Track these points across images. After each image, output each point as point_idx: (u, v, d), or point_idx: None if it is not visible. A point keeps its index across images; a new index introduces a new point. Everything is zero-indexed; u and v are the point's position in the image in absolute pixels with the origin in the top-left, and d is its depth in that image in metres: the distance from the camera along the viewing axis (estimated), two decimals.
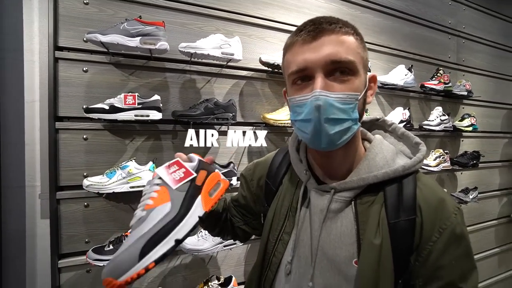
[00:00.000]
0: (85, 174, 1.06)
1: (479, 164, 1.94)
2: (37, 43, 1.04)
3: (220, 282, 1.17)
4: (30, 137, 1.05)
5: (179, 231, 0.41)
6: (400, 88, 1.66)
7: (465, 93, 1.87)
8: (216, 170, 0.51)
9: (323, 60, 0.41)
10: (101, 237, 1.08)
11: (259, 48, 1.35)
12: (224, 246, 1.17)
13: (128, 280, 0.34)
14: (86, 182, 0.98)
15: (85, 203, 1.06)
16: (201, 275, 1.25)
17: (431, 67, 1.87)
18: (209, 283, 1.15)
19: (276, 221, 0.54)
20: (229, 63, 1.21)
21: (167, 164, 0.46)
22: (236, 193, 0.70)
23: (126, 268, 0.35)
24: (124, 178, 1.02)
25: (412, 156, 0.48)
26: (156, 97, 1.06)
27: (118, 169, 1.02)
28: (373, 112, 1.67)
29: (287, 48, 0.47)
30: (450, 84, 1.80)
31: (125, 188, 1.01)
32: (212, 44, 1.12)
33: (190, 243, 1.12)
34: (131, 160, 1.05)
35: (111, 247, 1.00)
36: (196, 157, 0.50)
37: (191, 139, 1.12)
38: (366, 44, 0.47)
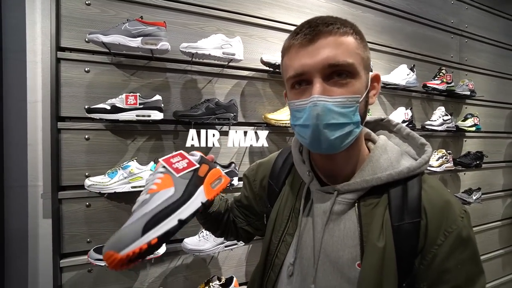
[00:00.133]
0: (86, 174, 1.06)
1: (483, 165, 1.92)
2: (39, 43, 1.05)
3: (221, 282, 1.16)
4: (33, 137, 1.06)
5: (183, 212, 0.41)
6: (402, 88, 1.65)
7: (468, 92, 1.86)
8: (218, 167, 0.52)
9: (320, 64, 0.40)
10: (103, 237, 1.08)
11: (260, 48, 1.35)
12: (226, 247, 1.17)
13: (130, 254, 0.34)
14: (87, 182, 0.98)
15: (87, 203, 1.07)
16: (202, 275, 1.25)
17: (433, 66, 1.86)
18: (210, 284, 1.14)
19: (278, 222, 0.53)
20: (230, 63, 1.21)
21: (170, 155, 0.48)
22: (239, 193, 0.69)
23: (128, 242, 0.34)
24: (125, 178, 1.02)
25: (418, 157, 0.47)
26: (158, 97, 1.06)
27: (119, 169, 1.02)
28: (375, 112, 1.66)
29: (284, 52, 0.46)
30: (452, 84, 1.78)
31: (126, 188, 1.01)
32: (213, 44, 1.12)
33: (191, 243, 1.12)
34: (132, 160, 1.05)
35: None
36: (198, 153, 0.52)
37: (192, 139, 1.12)
38: (368, 43, 0.46)
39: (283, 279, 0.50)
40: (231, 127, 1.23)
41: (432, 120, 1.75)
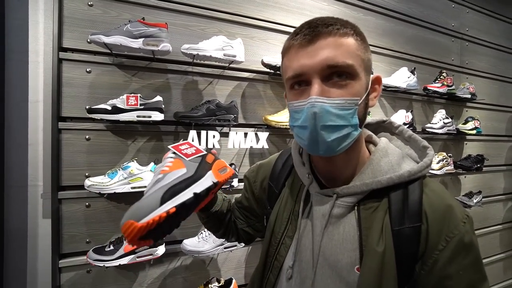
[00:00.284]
0: (87, 174, 1.06)
1: (483, 168, 1.92)
2: (41, 44, 1.05)
3: (221, 284, 1.16)
4: (33, 137, 1.06)
5: (197, 187, 0.43)
6: (402, 90, 1.65)
7: (469, 96, 1.86)
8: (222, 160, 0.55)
9: (319, 65, 0.40)
10: (102, 238, 1.08)
11: (261, 50, 1.36)
12: (225, 248, 1.16)
13: (150, 221, 0.34)
14: (87, 182, 0.98)
15: (87, 203, 1.07)
16: (201, 277, 1.25)
17: (434, 69, 1.86)
18: (209, 285, 1.14)
19: (278, 225, 0.53)
20: (231, 65, 1.21)
21: (178, 143, 0.51)
22: (239, 195, 0.69)
23: (147, 211, 0.35)
24: (125, 178, 1.02)
25: (419, 160, 0.47)
26: (158, 98, 1.07)
27: (119, 170, 1.02)
28: (375, 115, 1.66)
29: (284, 52, 0.46)
30: (453, 87, 1.78)
31: (126, 188, 1.01)
32: (214, 45, 1.13)
33: (191, 244, 1.11)
34: (132, 161, 1.05)
35: (111, 247, 1.00)
36: (202, 147, 0.55)
37: (192, 140, 1.12)
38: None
39: (282, 281, 0.50)
40: (231, 128, 1.23)
41: (432, 123, 1.75)
